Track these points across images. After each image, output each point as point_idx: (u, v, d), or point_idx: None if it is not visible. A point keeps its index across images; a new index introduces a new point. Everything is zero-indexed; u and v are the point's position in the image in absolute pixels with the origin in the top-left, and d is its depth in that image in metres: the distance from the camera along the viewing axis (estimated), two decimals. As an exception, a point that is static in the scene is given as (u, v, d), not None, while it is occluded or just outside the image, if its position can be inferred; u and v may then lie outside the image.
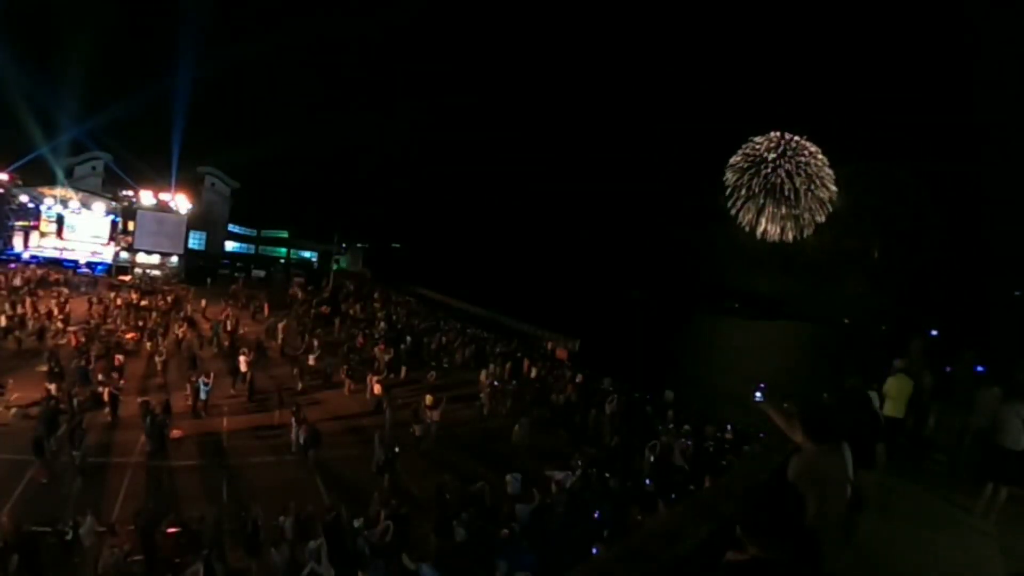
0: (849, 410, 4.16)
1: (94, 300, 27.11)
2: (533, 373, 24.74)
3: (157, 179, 41.65)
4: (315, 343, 23.94)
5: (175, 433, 13.67)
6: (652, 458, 15.97)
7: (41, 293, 27.17)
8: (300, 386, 18.66)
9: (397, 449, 13.88)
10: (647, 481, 13.99)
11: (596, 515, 11.33)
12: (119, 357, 17.63)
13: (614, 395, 21.47)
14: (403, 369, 22.17)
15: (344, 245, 59.02)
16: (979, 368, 6.94)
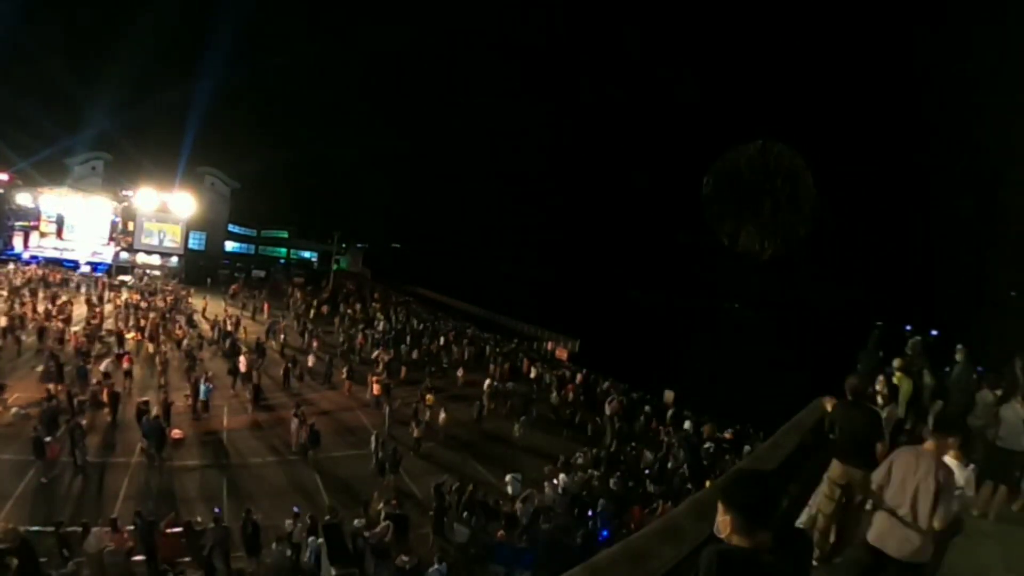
0: (852, 409, 4.14)
1: (94, 300, 27.11)
2: (533, 373, 24.74)
3: (157, 179, 41.59)
4: (315, 344, 23.94)
5: (176, 433, 13.67)
6: (652, 458, 15.99)
7: (41, 293, 27.14)
8: (295, 386, 18.64)
9: (397, 448, 13.90)
10: (647, 481, 14.01)
11: (596, 515, 11.34)
12: (119, 357, 17.62)
13: (614, 395, 21.47)
14: (403, 369, 22.18)
15: (344, 245, 58.95)
16: (979, 368, 6.93)
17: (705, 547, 1.87)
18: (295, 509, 10.05)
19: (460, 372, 22.44)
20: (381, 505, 10.54)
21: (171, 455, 12.98)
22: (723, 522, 1.79)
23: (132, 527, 8.95)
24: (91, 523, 8.75)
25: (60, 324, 21.43)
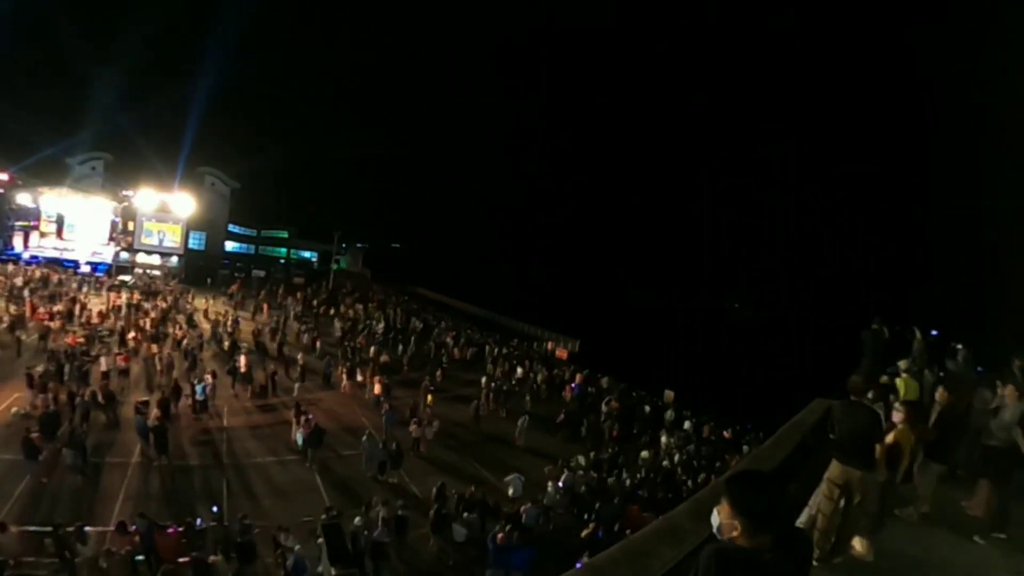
0: (852, 409, 4.14)
1: (94, 300, 27.09)
2: (532, 373, 24.74)
3: (157, 179, 41.59)
4: (316, 344, 23.91)
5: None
6: (651, 458, 15.99)
7: (42, 293, 27.12)
8: (286, 387, 18.57)
9: (397, 446, 13.91)
10: (645, 482, 14.01)
11: (596, 515, 11.35)
12: (119, 357, 17.62)
13: (613, 395, 21.47)
14: (403, 369, 22.16)
15: (344, 245, 58.93)
16: (979, 368, 6.93)
17: (704, 546, 1.88)
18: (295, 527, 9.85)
19: (439, 373, 21.91)
20: (380, 508, 10.48)
21: (171, 455, 12.94)
22: (728, 525, 1.79)
23: (134, 526, 8.94)
24: (90, 523, 8.76)
25: (60, 324, 21.43)
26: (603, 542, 9.58)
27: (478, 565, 9.88)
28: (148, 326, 22.52)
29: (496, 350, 28.67)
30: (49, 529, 8.66)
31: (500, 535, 9.38)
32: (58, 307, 23.78)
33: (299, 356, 20.97)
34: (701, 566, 1.77)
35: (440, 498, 11.04)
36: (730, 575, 1.73)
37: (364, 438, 13.86)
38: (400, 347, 25.74)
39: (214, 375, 16.67)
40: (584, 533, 10.67)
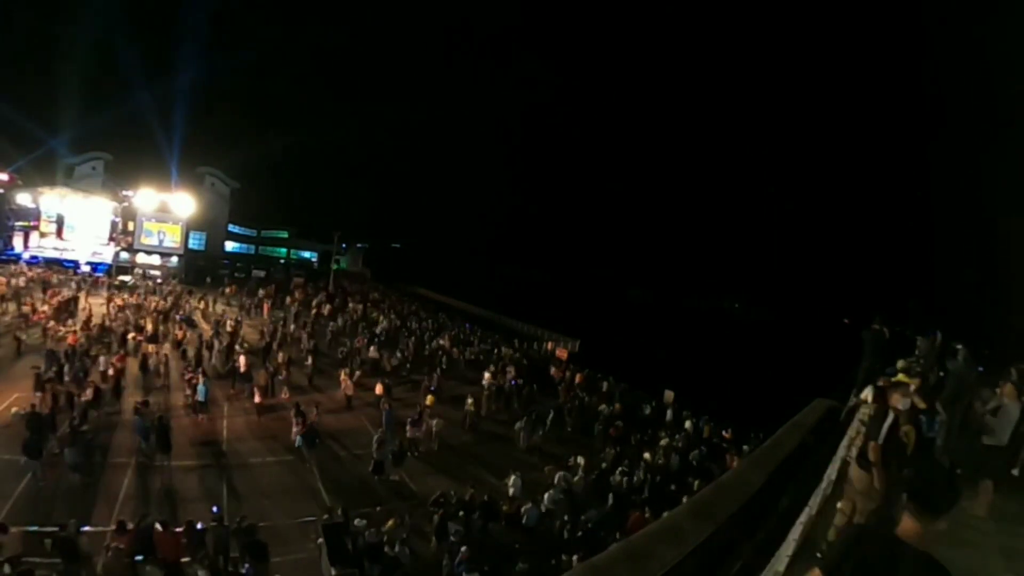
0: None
1: (94, 300, 27.08)
2: (533, 374, 24.66)
3: (157, 179, 41.59)
4: (313, 343, 23.89)
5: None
6: (651, 459, 15.98)
7: (41, 293, 27.12)
8: (295, 388, 18.54)
9: (401, 444, 13.90)
10: (646, 481, 14.01)
11: (595, 515, 11.35)
12: (119, 357, 17.62)
13: (613, 395, 21.41)
14: (403, 370, 22.13)
15: (344, 245, 58.95)
16: (979, 368, 6.92)
17: (704, 545, 1.88)
18: None
19: (437, 374, 21.55)
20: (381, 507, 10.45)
21: (171, 455, 12.94)
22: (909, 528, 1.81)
23: (133, 526, 8.93)
24: (90, 524, 8.75)
25: (60, 324, 21.43)
26: (602, 543, 9.58)
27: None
28: (148, 326, 22.49)
29: (496, 350, 28.65)
30: (52, 529, 8.66)
31: (463, 548, 9.22)
32: (54, 301, 23.75)
33: (296, 355, 21.00)
34: (839, 540, 1.81)
35: (441, 504, 11.02)
36: (860, 552, 1.79)
37: (375, 437, 13.86)
38: (400, 347, 25.72)
39: (204, 374, 16.59)
40: (582, 533, 10.67)
